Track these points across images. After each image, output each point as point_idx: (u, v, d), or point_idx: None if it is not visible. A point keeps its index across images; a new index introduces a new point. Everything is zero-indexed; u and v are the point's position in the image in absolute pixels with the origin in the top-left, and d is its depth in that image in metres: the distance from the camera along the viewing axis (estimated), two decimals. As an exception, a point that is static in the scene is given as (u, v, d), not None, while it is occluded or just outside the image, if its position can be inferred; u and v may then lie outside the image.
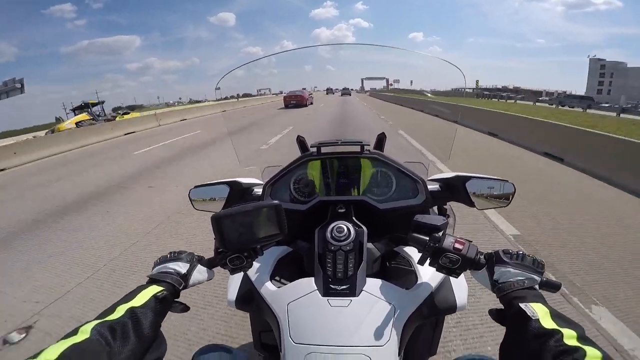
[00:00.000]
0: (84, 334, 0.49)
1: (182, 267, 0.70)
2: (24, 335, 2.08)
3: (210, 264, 0.74)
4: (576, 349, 0.46)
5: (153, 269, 0.71)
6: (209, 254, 0.76)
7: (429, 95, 21.67)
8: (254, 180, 1.09)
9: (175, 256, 0.72)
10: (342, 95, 42.54)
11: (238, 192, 1.02)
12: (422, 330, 0.80)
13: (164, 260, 0.72)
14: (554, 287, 0.64)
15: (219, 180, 1.02)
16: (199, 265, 0.73)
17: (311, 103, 19.60)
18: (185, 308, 0.68)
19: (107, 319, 0.53)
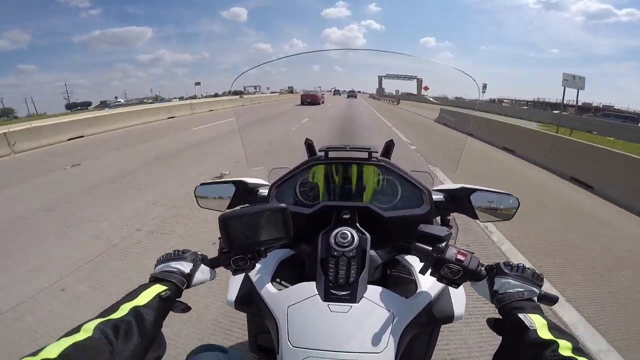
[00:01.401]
0: (86, 332, 0.49)
1: (185, 266, 0.70)
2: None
3: (213, 264, 0.75)
4: (570, 359, 0.48)
5: (156, 267, 0.71)
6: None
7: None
8: (260, 181, 1.10)
9: (179, 255, 0.72)
10: (347, 97, 42.70)
11: (243, 192, 1.03)
12: (418, 338, 0.80)
13: (167, 259, 0.71)
14: (551, 300, 0.65)
15: (225, 180, 1.03)
16: (202, 265, 0.73)
17: (323, 102, 25.72)
18: (186, 308, 0.68)
19: (110, 317, 0.53)
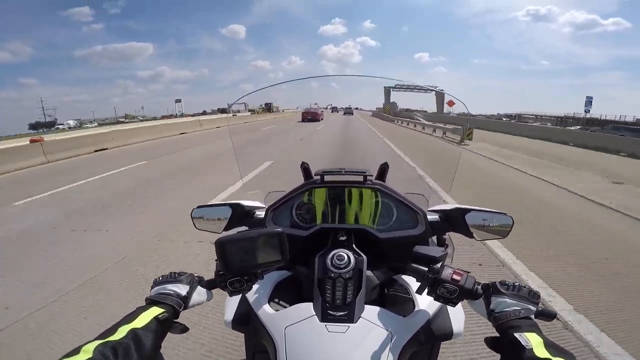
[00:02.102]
0: (86, 353, 0.49)
1: (182, 289, 0.71)
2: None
3: (209, 286, 0.75)
4: None
5: (152, 289, 0.72)
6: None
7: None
8: (257, 203, 1.11)
9: (175, 277, 0.73)
10: (344, 114, 43.17)
11: (240, 215, 1.04)
12: (417, 355, 0.80)
13: (163, 281, 0.72)
14: (549, 316, 0.66)
15: (221, 202, 1.04)
16: (199, 286, 0.74)
17: (322, 119, 28.10)
18: (184, 329, 0.68)
19: (109, 339, 0.54)
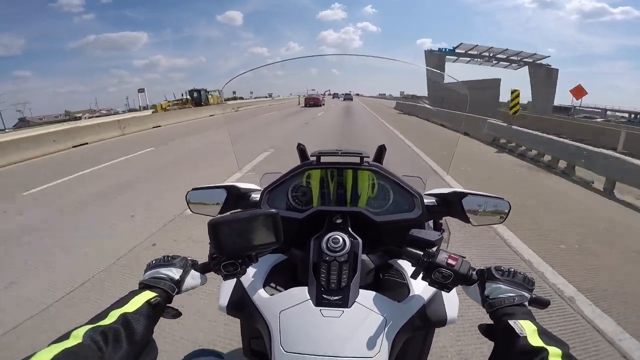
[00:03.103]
0: (75, 338, 0.49)
1: (175, 272, 0.70)
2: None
3: (203, 269, 0.75)
4: None
5: (145, 272, 0.71)
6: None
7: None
8: (252, 185, 1.10)
9: (169, 261, 0.72)
10: (344, 100, 42.41)
11: (235, 197, 1.02)
12: (411, 341, 0.81)
13: (156, 264, 0.72)
14: (543, 303, 0.66)
15: (216, 185, 1.03)
16: (192, 270, 0.74)
17: (323, 104, 28.59)
18: (177, 314, 0.68)
19: (99, 324, 0.53)
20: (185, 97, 29.89)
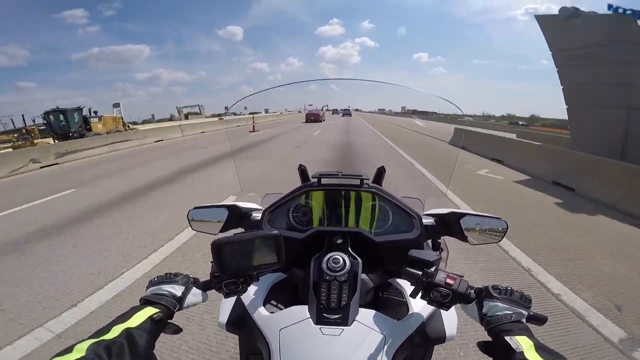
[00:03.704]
0: (79, 352, 0.50)
1: (177, 289, 0.71)
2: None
3: (205, 287, 0.76)
4: None
5: (147, 289, 0.72)
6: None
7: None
8: (253, 205, 1.11)
9: (171, 278, 0.73)
10: (342, 115, 42.69)
11: (236, 216, 1.04)
12: (410, 359, 0.81)
13: (159, 281, 0.73)
14: (540, 320, 0.67)
15: (218, 204, 1.04)
16: (194, 287, 0.75)
17: (324, 120, 28.62)
18: (178, 330, 0.69)
19: (102, 338, 0.54)
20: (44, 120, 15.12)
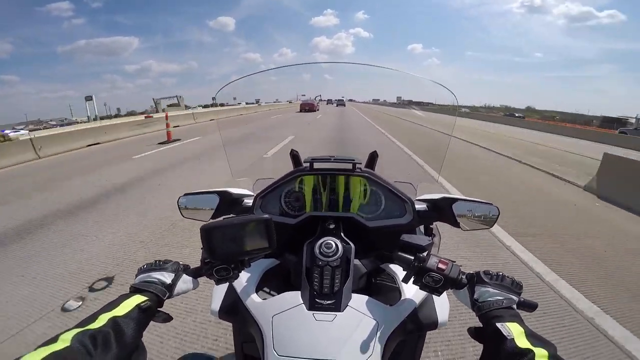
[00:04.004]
0: (64, 342, 0.49)
1: (166, 277, 0.70)
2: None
3: (195, 274, 0.75)
4: None
5: (136, 277, 0.71)
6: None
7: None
8: (245, 191, 1.10)
9: (160, 265, 0.72)
10: (337, 105, 42.36)
11: (228, 203, 1.02)
12: (404, 345, 0.82)
13: (148, 269, 0.71)
14: (530, 307, 0.67)
15: (208, 190, 1.02)
16: (184, 274, 0.74)
17: (318, 109, 27.62)
18: (168, 318, 0.68)
19: (88, 327, 0.53)
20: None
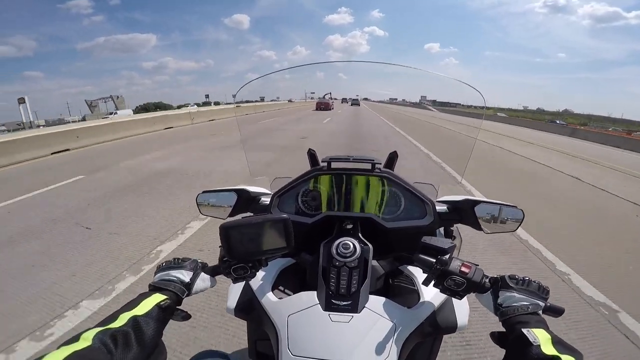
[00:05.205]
0: (85, 341, 0.49)
1: (185, 275, 0.70)
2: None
3: (213, 272, 0.75)
4: None
5: (155, 275, 0.71)
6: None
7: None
8: (262, 189, 1.10)
9: (179, 264, 0.72)
10: (351, 105, 41.78)
11: (245, 201, 1.03)
12: (419, 347, 0.80)
13: (167, 267, 0.72)
14: (557, 312, 0.64)
15: (227, 188, 1.03)
16: (202, 273, 0.74)
17: (332, 108, 29.17)
18: (187, 316, 0.68)
19: (109, 326, 0.53)
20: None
